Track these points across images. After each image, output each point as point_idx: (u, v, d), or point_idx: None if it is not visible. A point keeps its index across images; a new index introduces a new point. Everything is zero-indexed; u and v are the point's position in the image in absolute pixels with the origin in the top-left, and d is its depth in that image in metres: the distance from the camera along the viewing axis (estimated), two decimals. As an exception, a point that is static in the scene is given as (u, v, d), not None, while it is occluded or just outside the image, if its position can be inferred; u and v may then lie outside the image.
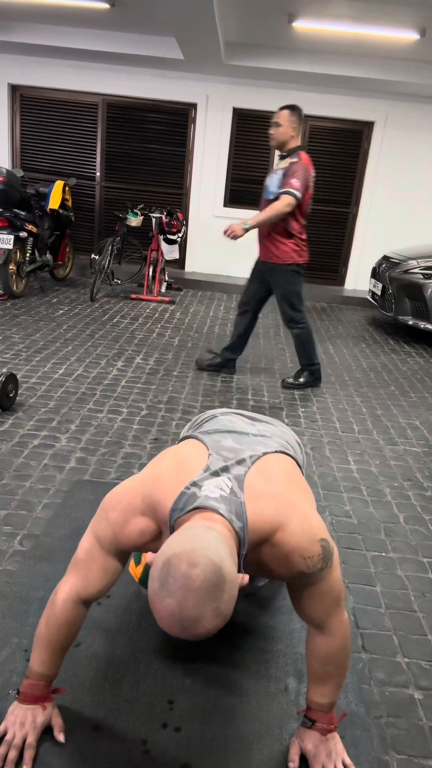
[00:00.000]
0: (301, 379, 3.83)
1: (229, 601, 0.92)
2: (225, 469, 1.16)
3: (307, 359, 3.83)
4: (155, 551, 1.17)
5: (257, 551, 1.13)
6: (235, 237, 3.51)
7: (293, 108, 3.48)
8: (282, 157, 3.57)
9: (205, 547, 0.93)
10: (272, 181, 3.54)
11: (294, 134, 3.50)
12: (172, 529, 1.10)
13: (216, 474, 1.15)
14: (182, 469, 1.17)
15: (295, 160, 3.43)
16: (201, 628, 0.89)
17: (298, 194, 3.41)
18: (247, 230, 3.53)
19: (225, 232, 3.53)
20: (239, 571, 1.08)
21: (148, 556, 0.99)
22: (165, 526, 1.13)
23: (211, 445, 1.24)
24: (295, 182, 3.39)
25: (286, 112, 3.47)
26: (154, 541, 1.17)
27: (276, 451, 1.27)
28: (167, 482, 1.15)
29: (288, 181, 3.41)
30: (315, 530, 1.12)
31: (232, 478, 1.14)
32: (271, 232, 3.66)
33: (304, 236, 3.66)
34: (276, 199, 3.47)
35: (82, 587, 1.20)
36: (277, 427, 1.49)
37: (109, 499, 1.20)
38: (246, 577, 0.98)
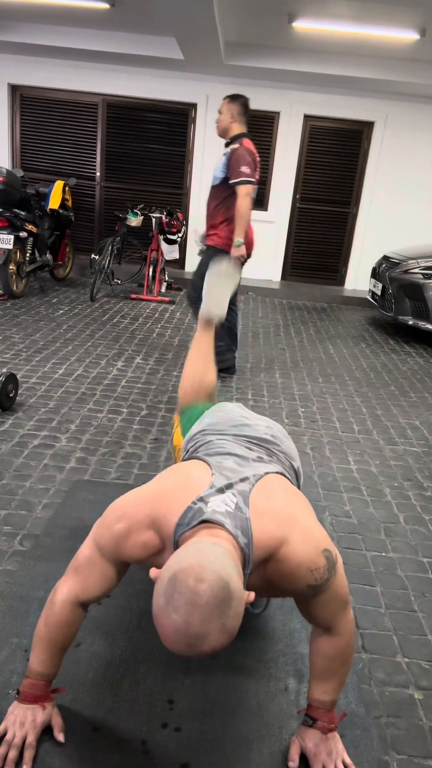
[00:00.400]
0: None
1: (236, 618, 0.90)
2: (229, 486, 1.17)
3: (227, 344, 3.84)
4: (155, 566, 1.17)
5: (263, 569, 1.13)
6: (243, 258, 3.60)
7: (234, 97, 3.64)
8: (226, 145, 3.73)
9: (212, 562, 0.92)
10: (216, 168, 3.69)
11: (233, 121, 3.66)
12: (176, 545, 1.10)
13: (221, 491, 1.15)
14: (188, 486, 1.17)
15: (236, 146, 3.56)
16: (207, 646, 0.88)
17: (252, 179, 3.53)
18: (241, 243, 3.64)
19: (234, 260, 3.49)
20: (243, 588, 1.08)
21: (152, 572, 0.98)
22: (169, 541, 1.13)
23: (213, 464, 1.25)
24: (246, 169, 3.52)
25: (225, 100, 3.66)
26: (155, 556, 1.16)
27: (276, 472, 1.29)
28: (173, 498, 1.15)
29: (238, 170, 3.51)
30: (318, 542, 1.13)
31: (237, 494, 1.15)
32: (217, 217, 3.71)
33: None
34: (222, 184, 3.62)
35: (81, 590, 1.21)
36: (277, 438, 1.49)
37: (114, 509, 1.19)
38: (252, 595, 0.97)
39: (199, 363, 2.07)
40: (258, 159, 3.67)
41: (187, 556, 0.93)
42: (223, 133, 3.73)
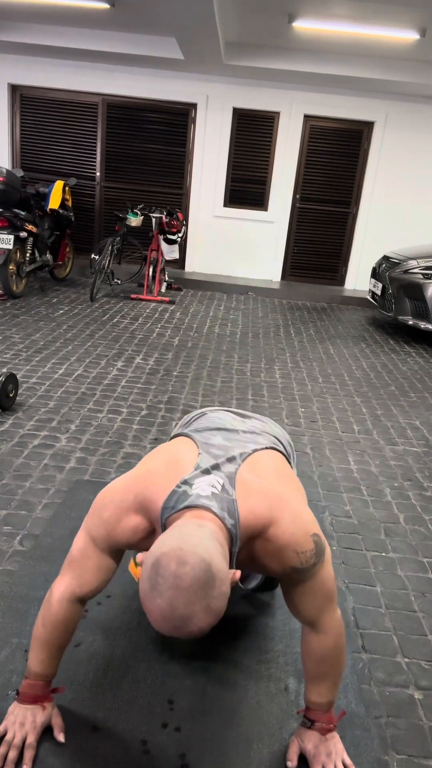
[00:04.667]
0: None
1: (221, 598, 0.91)
2: (216, 467, 1.16)
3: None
4: (148, 549, 1.17)
5: (250, 546, 1.13)
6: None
7: None
8: None
9: (194, 545, 0.92)
10: None
11: None
12: (164, 528, 1.10)
13: (207, 472, 1.15)
14: (173, 467, 1.17)
15: None
16: (193, 626, 0.89)
17: None
18: None
19: None
20: (231, 567, 1.08)
21: (139, 557, 0.99)
22: (157, 523, 1.13)
23: (201, 443, 1.24)
24: None
25: None
26: (147, 539, 1.16)
27: (266, 448, 1.27)
28: (158, 480, 1.14)
29: None
30: (307, 525, 1.13)
31: (223, 476, 1.14)
32: None
33: None
34: None
35: (77, 586, 1.20)
36: (267, 424, 1.48)
37: (102, 498, 1.20)
38: (237, 573, 0.98)
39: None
40: None
41: (169, 540, 0.94)
42: None
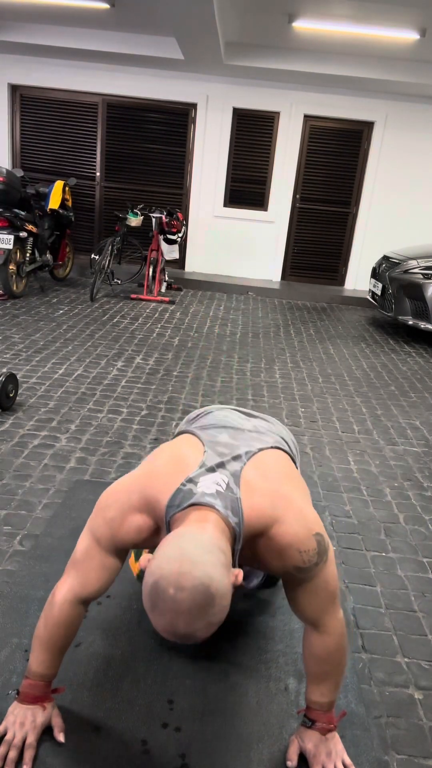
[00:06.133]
0: None
1: (221, 612, 0.92)
2: (221, 465, 1.16)
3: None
4: (153, 547, 1.17)
5: (253, 544, 1.13)
6: None
7: None
8: None
9: (193, 563, 0.92)
10: None
11: None
12: (168, 526, 1.10)
13: (212, 470, 1.14)
14: (178, 465, 1.17)
15: None
16: (196, 639, 0.92)
17: None
18: None
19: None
20: (233, 566, 1.08)
21: (142, 561, 0.99)
22: (162, 522, 1.13)
23: (206, 440, 1.24)
24: None
25: None
26: (151, 538, 1.16)
27: (271, 447, 1.27)
28: (163, 479, 1.14)
29: None
30: (311, 525, 1.13)
31: (228, 474, 1.14)
32: None
33: None
34: None
35: (81, 587, 1.20)
36: (272, 424, 1.48)
37: (106, 497, 1.19)
38: (240, 575, 0.98)
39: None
40: None
41: (168, 559, 0.93)
42: None
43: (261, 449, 1.24)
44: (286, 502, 1.12)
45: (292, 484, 1.18)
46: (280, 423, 1.56)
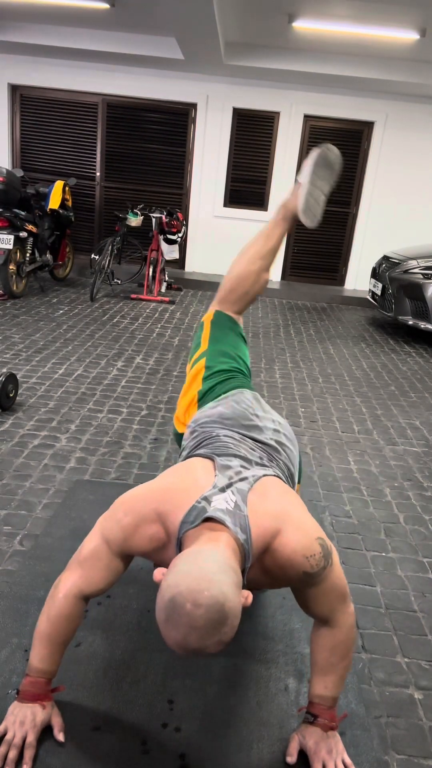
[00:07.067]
0: None
1: (232, 631, 0.96)
2: (230, 486, 1.21)
3: None
4: (158, 560, 1.21)
5: (261, 561, 1.17)
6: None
7: None
8: None
9: (210, 582, 0.95)
10: None
11: None
12: (179, 542, 1.14)
13: (222, 490, 1.20)
14: (194, 485, 1.21)
15: None
16: (206, 655, 0.96)
17: None
18: None
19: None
20: (243, 585, 1.12)
21: (156, 575, 1.03)
22: (173, 537, 1.16)
23: (219, 465, 1.29)
24: None
25: None
26: (159, 550, 1.19)
27: (273, 475, 1.32)
28: (180, 495, 1.18)
29: None
30: (311, 530, 1.17)
31: (236, 492, 1.19)
32: None
33: None
34: None
35: (85, 584, 1.22)
36: (278, 450, 1.47)
37: (122, 503, 1.22)
38: (250, 597, 1.02)
39: (257, 257, 1.77)
40: None
41: (186, 575, 0.96)
42: None
43: (265, 475, 1.29)
44: (285, 515, 1.18)
45: (290, 501, 1.23)
46: (292, 438, 1.56)
